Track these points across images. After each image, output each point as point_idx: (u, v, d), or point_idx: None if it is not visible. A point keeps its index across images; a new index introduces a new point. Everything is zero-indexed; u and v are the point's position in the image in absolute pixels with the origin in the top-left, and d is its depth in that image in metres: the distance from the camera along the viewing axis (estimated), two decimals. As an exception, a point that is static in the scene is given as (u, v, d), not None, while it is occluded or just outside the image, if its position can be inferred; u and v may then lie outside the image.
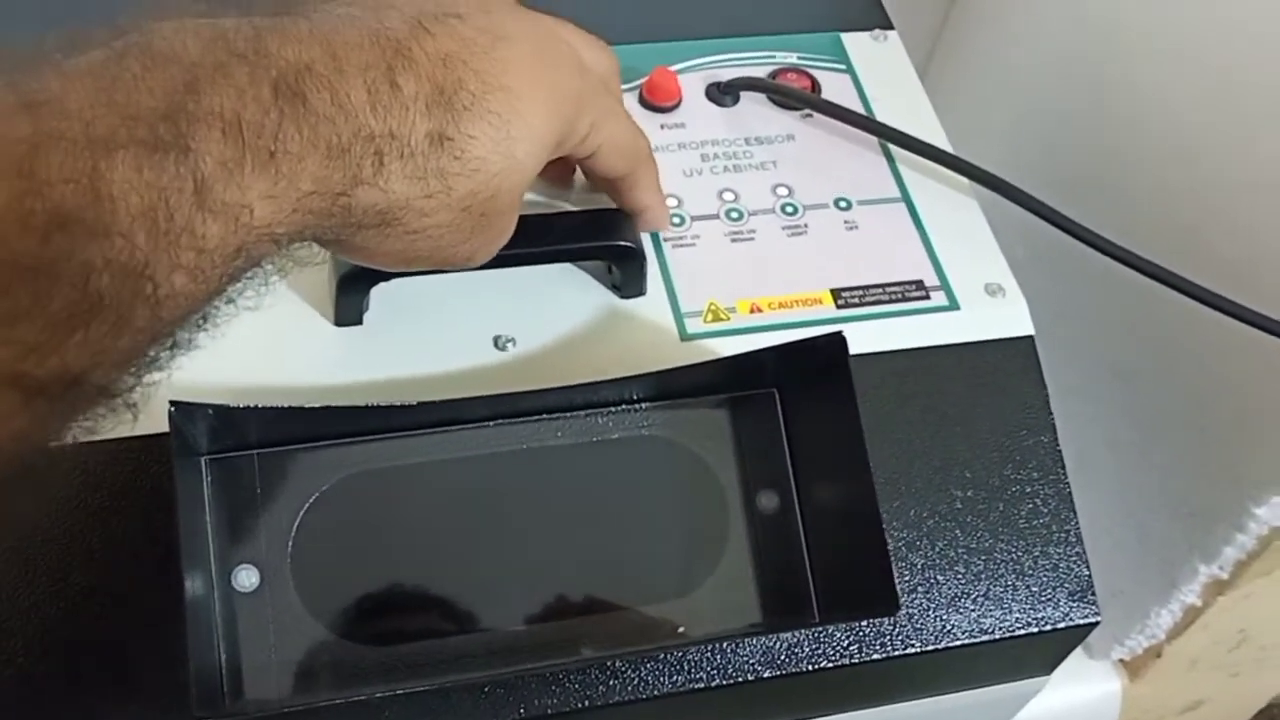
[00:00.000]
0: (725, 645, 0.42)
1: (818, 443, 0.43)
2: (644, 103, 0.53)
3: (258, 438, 0.40)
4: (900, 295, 0.48)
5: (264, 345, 0.42)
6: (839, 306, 0.47)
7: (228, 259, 0.31)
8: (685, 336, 0.46)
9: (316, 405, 0.40)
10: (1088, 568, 0.46)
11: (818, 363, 0.42)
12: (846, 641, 0.43)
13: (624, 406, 0.44)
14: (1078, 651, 0.71)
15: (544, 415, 0.43)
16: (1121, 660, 0.71)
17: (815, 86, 0.54)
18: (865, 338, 0.46)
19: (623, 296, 0.47)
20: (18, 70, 0.30)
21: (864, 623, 0.43)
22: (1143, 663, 0.69)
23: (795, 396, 0.44)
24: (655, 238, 0.48)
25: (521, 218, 0.40)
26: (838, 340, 0.41)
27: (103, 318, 0.29)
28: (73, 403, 0.30)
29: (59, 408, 0.30)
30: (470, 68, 0.36)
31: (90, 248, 0.28)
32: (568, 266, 0.47)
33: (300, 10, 0.34)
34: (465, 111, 0.35)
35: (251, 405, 0.38)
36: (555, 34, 0.40)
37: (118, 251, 0.29)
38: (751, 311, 0.47)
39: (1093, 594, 0.46)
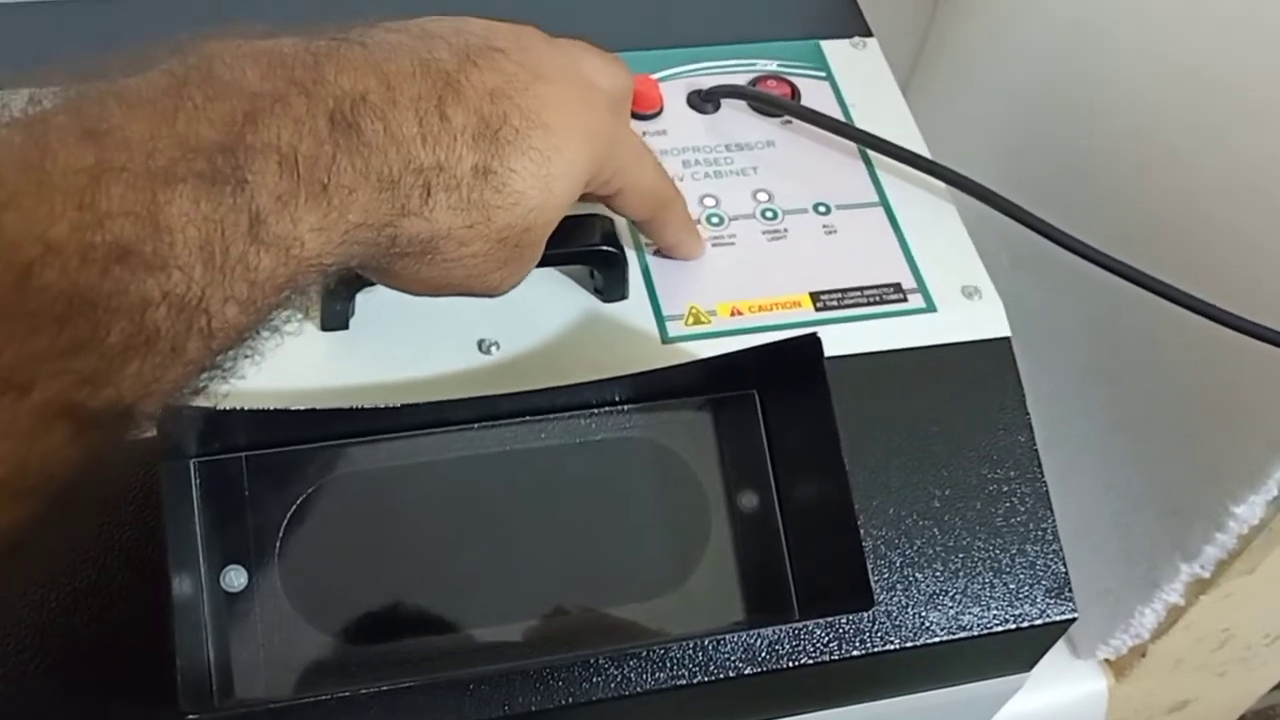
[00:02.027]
0: (706, 642, 0.43)
1: (796, 442, 0.44)
2: (627, 111, 0.53)
3: (245, 440, 0.41)
4: (878, 298, 0.49)
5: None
6: (818, 309, 0.48)
7: (277, 290, 0.32)
8: (667, 339, 0.47)
9: (303, 408, 0.41)
10: (1064, 565, 0.47)
11: (795, 364, 0.42)
12: (826, 638, 0.44)
13: (606, 408, 0.45)
14: (1063, 651, 0.72)
15: (527, 417, 0.44)
16: (1107, 660, 0.71)
17: (795, 93, 0.55)
18: (844, 339, 0.47)
19: (605, 300, 0.47)
20: (80, 94, 0.30)
21: (843, 620, 0.44)
22: (1128, 662, 0.70)
23: (774, 397, 0.45)
24: (637, 242, 0.49)
25: None
26: (813, 341, 0.41)
27: (157, 349, 0.29)
28: (121, 433, 0.30)
29: (108, 438, 0.30)
30: (514, 103, 0.37)
31: (148, 281, 0.29)
32: (550, 271, 0.47)
33: (354, 35, 0.35)
34: (509, 146, 0.36)
35: (238, 408, 0.39)
36: (587, 76, 0.41)
37: (175, 284, 0.29)
38: (732, 315, 0.48)
39: (1069, 590, 0.46)
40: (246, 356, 0.33)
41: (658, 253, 0.49)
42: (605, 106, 0.41)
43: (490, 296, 0.40)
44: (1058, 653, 0.55)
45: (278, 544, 0.41)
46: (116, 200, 0.28)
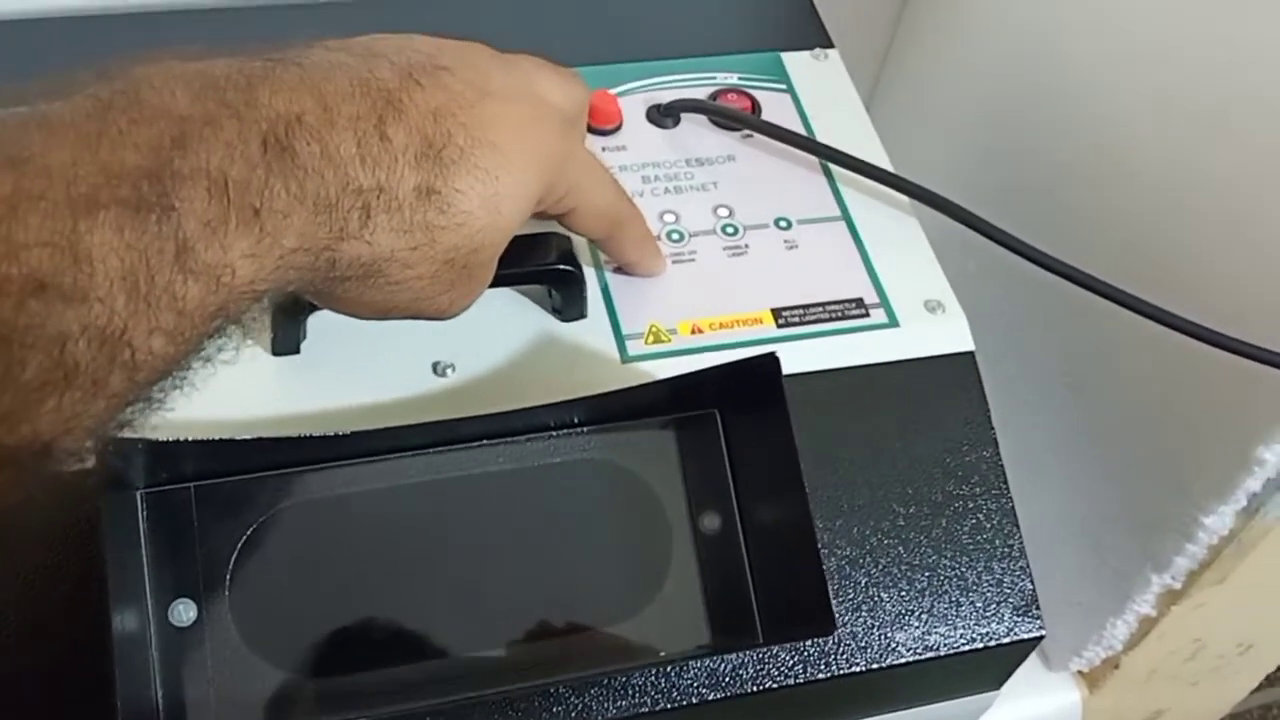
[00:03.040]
0: (669, 668, 0.42)
1: (757, 463, 0.43)
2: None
3: (193, 470, 0.40)
4: (840, 313, 0.48)
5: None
6: (780, 326, 0.48)
7: (207, 319, 0.31)
8: (626, 359, 0.46)
9: (251, 437, 0.40)
10: (1031, 582, 0.46)
11: (754, 383, 0.42)
12: (791, 661, 0.43)
13: (566, 430, 0.44)
14: (1036, 663, 0.71)
15: (485, 441, 0.43)
16: (1080, 672, 0.71)
17: (755, 107, 0.54)
18: (806, 356, 0.46)
19: (563, 320, 0.47)
20: (1, 119, 0.29)
21: (808, 642, 0.43)
22: (1101, 674, 0.70)
23: (735, 417, 0.44)
24: (596, 260, 0.48)
25: None
26: (771, 360, 0.41)
27: (77, 385, 0.28)
28: (41, 469, 0.29)
29: (26, 475, 0.29)
30: (459, 121, 0.36)
31: (67, 314, 0.28)
32: (507, 291, 0.47)
33: (292, 55, 0.34)
34: (453, 165, 0.35)
35: (185, 439, 0.38)
36: (538, 93, 0.40)
37: (95, 317, 0.28)
38: (693, 333, 0.47)
39: (1037, 608, 0.46)
40: (177, 388, 0.32)
41: (618, 270, 0.48)
42: (557, 123, 0.40)
43: (441, 319, 0.40)
44: (1030, 665, 0.55)
45: (228, 576, 0.40)
46: (34, 230, 0.27)
